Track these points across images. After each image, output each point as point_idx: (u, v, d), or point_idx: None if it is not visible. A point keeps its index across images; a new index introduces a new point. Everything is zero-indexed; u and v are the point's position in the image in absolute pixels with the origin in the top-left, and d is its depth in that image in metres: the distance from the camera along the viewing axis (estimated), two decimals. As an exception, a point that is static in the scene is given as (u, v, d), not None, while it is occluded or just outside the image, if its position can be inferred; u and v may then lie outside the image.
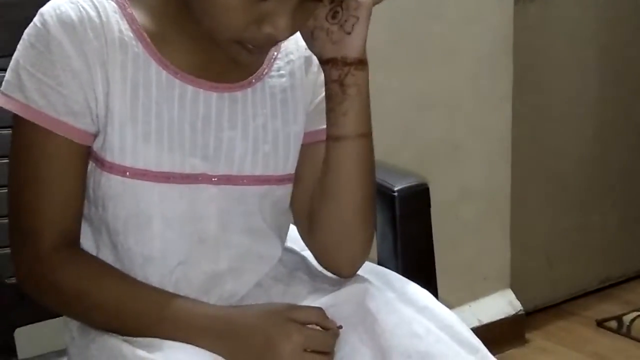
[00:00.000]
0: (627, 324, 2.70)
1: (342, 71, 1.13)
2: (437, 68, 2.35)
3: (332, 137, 1.16)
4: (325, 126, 1.19)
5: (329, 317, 1.12)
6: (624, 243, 2.99)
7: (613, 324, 2.71)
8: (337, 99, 1.14)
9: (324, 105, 1.19)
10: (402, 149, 2.25)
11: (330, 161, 1.17)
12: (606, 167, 2.91)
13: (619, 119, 2.92)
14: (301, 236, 1.26)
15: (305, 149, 1.23)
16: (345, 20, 1.11)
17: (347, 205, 1.18)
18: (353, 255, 1.21)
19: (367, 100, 1.16)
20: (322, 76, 1.21)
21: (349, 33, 1.11)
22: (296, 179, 1.23)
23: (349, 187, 1.17)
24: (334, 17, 1.12)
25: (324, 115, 1.18)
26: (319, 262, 1.25)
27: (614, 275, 2.97)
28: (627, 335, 2.65)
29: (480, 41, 2.41)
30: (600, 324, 2.72)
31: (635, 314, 2.75)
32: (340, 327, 1.12)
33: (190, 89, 1.14)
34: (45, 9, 1.11)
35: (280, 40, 1.10)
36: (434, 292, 1.31)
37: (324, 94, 1.21)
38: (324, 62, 1.15)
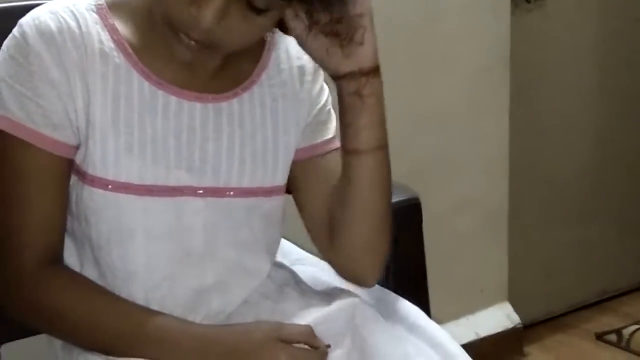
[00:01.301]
0: (627, 337, 2.69)
1: (360, 82, 1.11)
2: (433, 80, 2.34)
3: (350, 151, 1.15)
4: (328, 137, 1.20)
5: (318, 335, 1.10)
6: (622, 255, 2.99)
7: (612, 337, 2.70)
8: (355, 112, 1.13)
9: (323, 116, 1.19)
10: (398, 160, 2.21)
11: (350, 174, 1.16)
12: (605, 178, 2.90)
13: (618, 131, 2.91)
14: (320, 250, 1.24)
15: (316, 162, 1.22)
16: (354, 32, 1.09)
17: (370, 215, 1.17)
18: (376, 262, 1.20)
19: (384, 109, 1.15)
20: (317, 86, 1.21)
21: (362, 43, 1.10)
22: (309, 195, 1.22)
23: (370, 198, 1.17)
24: (338, 33, 1.09)
25: (326, 126, 1.19)
26: (340, 273, 1.23)
27: (613, 287, 2.97)
28: (627, 348, 2.64)
29: (477, 53, 2.41)
30: (600, 337, 2.71)
31: (634, 327, 2.74)
32: (329, 346, 1.10)
33: (174, 99, 1.12)
34: (24, 20, 1.10)
35: (207, 32, 1.02)
36: (426, 308, 1.30)
37: (321, 104, 1.21)
38: (339, 78, 1.12)
